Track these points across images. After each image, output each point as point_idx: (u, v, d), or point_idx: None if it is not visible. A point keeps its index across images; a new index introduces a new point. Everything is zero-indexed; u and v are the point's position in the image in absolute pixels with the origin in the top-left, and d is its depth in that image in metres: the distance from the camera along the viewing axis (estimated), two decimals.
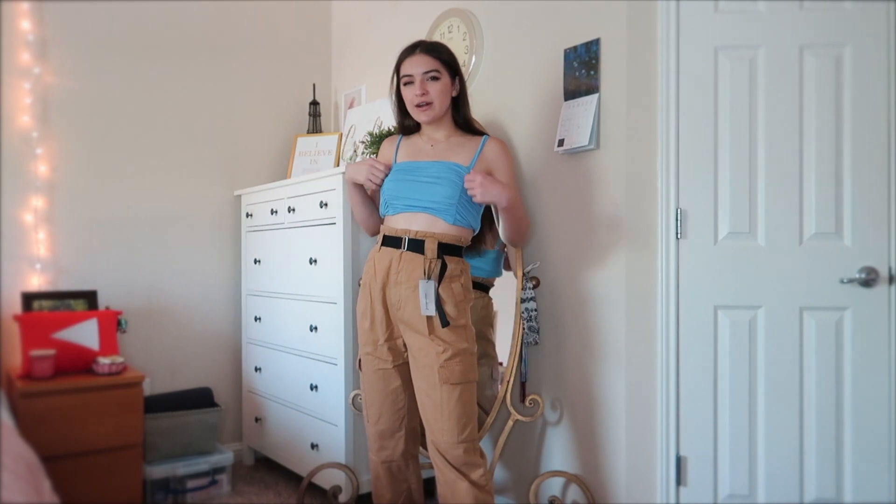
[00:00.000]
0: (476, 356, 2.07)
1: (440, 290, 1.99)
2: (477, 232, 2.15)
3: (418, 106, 2.07)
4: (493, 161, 2.10)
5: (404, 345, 2.08)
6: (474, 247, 2.23)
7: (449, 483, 2.00)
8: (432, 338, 1.98)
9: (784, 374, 2.10)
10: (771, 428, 2.10)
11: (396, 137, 2.25)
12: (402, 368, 2.11)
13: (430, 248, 2.01)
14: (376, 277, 2.07)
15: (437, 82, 2.06)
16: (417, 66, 2.06)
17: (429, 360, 1.98)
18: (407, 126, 2.20)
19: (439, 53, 2.09)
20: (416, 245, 2.01)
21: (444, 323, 1.96)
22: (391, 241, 2.06)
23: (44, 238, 2.90)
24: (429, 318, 1.98)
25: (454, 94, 2.12)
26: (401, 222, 2.06)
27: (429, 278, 1.98)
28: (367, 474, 2.59)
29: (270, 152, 3.50)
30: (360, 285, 2.31)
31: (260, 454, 3.30)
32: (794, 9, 2.10)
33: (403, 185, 2.07)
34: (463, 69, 2.76)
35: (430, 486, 2.44)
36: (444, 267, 2.00)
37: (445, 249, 2.02)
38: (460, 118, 2.16)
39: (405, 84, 2.09)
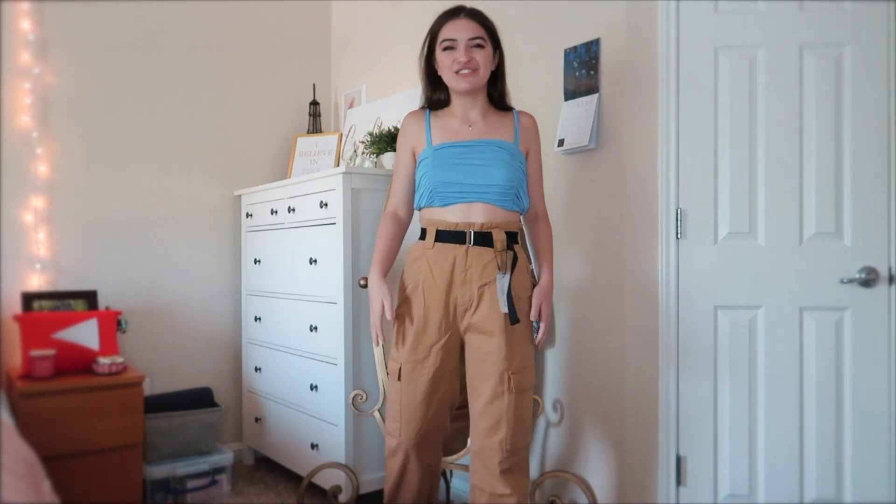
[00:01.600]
0: None
1: (514, 284, 1.85)
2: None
3: (459, 72, 1.86)
4: (529, 139, 1.97)
5: (460, 349, 1.94)
6: None
7: (494, 499, 1.87)
8: (507, 341, 1.84)
9: (784, 374, 2.10)
10: (771, 428, 2.10)
11: (422, 114, 2.00)
12: (450, 376, 1.96)
13: (500, 239, 1.85)
14: (435, 278, 1.87)
15: (481, 50, 1.88)
16: (462, 30, 1.87)
17: (498, 366, 1.84)
18: (436, 101, 1.99)
19: (483, 20, 1.92)
20: (483, 238, 1.85)
21: (514, 320, 1.82)
22: (450, 237, 1.87)
23: (44, 238, 2.91)
24: (506, 316, 1.84)
25: (493, 67, 1.94)
26: (456, 215, 1.87)
27: (504, 272, 1.84)
28: (367, 474, 2.59)
29: (270, 152, 3.50)
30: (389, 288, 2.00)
31: (260, 454, 3.30)
32: (794, 9, 2.10)
33: (454, 171, 1.86)
34: None
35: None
36: (514, 258, 1.87)
37: (510, 239, 1.89)
38: (496, 93, 1.98)
39: (445, 49, 1.88)
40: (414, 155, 1.98)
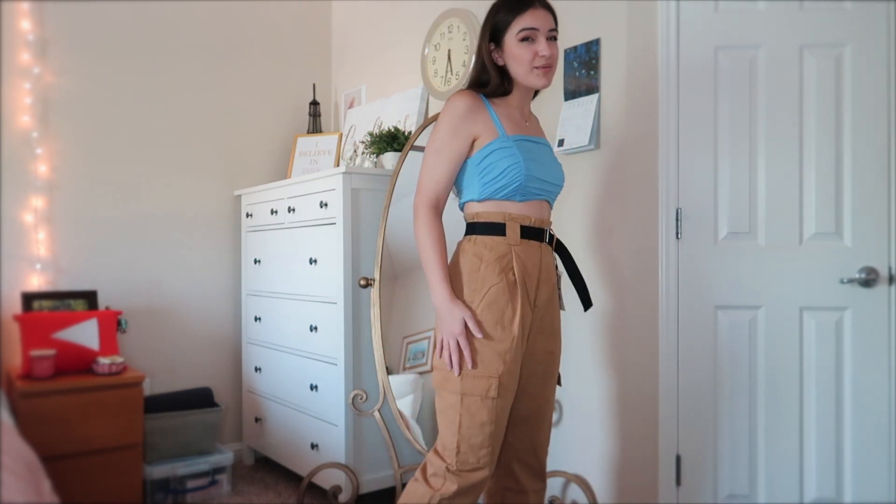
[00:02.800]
0: None
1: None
2: None
3: (540, 67, 1.70)
4: None
5: None
6: None
7: (535, 497, 1.85)
8: (558, 339, 1.84)
9: (784, 374, 2.10)
10: (771, 428, 2.10)
11: (478, 98, 1.73)
12: None
13: (555, 239, 1.82)
14: (529, 275, 1.70)
15: (555, 43, 1.74)
16: (543, 20, 1.70)
17: (556, 364, 1.83)
18: (503, 91, 1.77)
19: (553, 10, 1.77)
20: (550, 237, 1.79)
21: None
22: (533, 233, 1.73)
23: (44, 238, 2.91)
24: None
25: None
26: (533, 211, 1.73)
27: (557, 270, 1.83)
28: (367, 474, 2.59)
29: (270, 152, 3.50)
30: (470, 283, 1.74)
31: (260, 454, 3.30)
32: (794, 9, 2.10)
33: (538, 166, 1.72)
34: (463, 69, 2.77)
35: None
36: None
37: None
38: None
39: (522, 39, 1.69)
40: (472, 141, 1.72)
